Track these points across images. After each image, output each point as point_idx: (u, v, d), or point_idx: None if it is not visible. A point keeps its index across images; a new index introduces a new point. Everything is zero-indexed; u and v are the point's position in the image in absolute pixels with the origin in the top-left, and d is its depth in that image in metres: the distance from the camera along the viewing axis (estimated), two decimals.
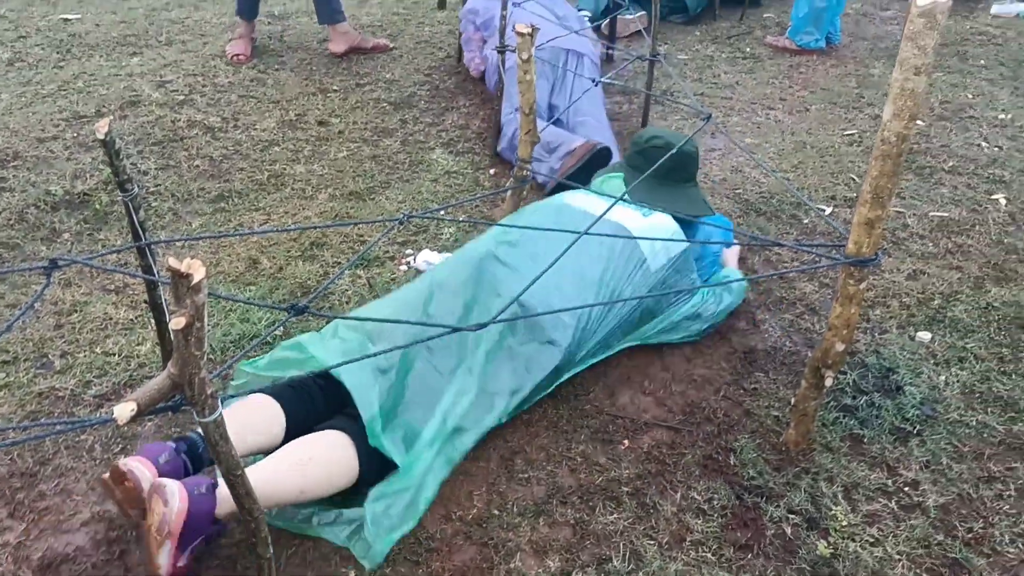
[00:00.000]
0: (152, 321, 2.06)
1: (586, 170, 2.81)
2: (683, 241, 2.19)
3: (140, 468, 1.53)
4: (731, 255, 2.52)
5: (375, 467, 1.71)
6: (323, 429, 1.72)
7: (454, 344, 1.91)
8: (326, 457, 1.66)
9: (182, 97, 3.78)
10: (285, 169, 3.20)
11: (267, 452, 1.68)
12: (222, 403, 1.25)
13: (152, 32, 4.58)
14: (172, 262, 1.08)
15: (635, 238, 2.02)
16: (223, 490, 1.46)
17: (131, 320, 2.34)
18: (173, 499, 1.47)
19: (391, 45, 4.44)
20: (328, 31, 4.35)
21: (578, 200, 2.26)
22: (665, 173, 2.23)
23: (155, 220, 2.84)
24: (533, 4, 3.66)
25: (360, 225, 2.77)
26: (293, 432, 1.72)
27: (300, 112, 3.69)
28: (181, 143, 3.38)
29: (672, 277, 2.21)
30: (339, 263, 2.60)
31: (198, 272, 1.09)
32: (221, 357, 2.18)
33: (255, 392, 1.75)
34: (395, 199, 3.01)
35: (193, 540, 1.52)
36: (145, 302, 2.29)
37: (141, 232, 1.71)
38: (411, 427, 1.79)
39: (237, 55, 4.19)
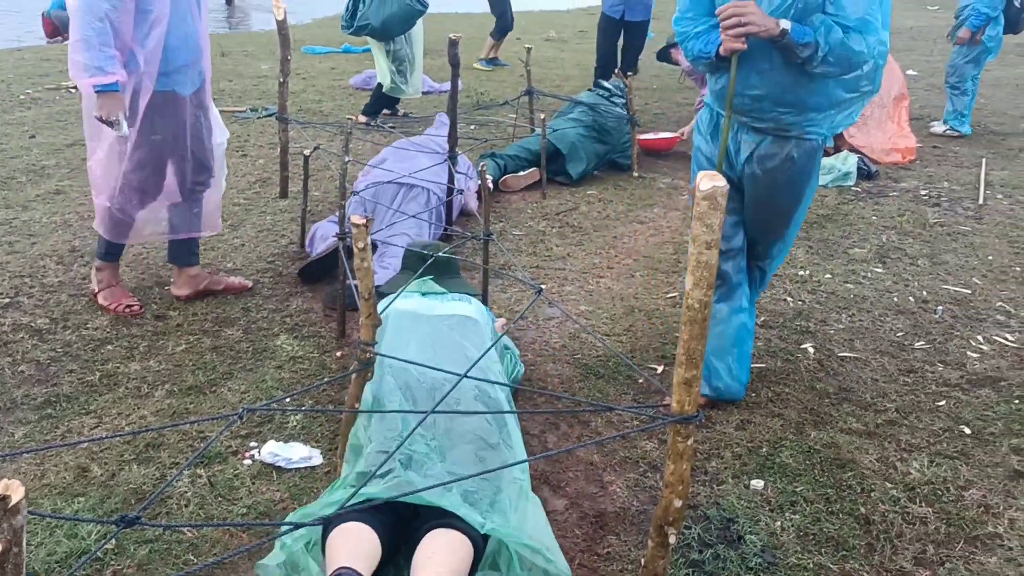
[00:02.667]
0: None
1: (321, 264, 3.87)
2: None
3: None
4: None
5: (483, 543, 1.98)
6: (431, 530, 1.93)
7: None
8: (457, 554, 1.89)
9: (7, 300, 3.62)
10: (119, 368, 3.09)
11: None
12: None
13: None
14: None
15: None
16: None
17: None
18: None
19: (249, 285, 3.86)
20: (174, 272, 3.76)
21: (405, 304, 2.75)
22: (448, 271, 3.08)
23: None
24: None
25: (198, 422, 2.69)
26: (386, 551, 1.93)
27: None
28: (4, 348, 3.21)
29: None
30: (177, 463, 2.49)
31: (16, 493, 1.05)
32: None
33: (346, 522, 1.90)
34: (238, 390, 2.95)
35: None
36: None
37: None
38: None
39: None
